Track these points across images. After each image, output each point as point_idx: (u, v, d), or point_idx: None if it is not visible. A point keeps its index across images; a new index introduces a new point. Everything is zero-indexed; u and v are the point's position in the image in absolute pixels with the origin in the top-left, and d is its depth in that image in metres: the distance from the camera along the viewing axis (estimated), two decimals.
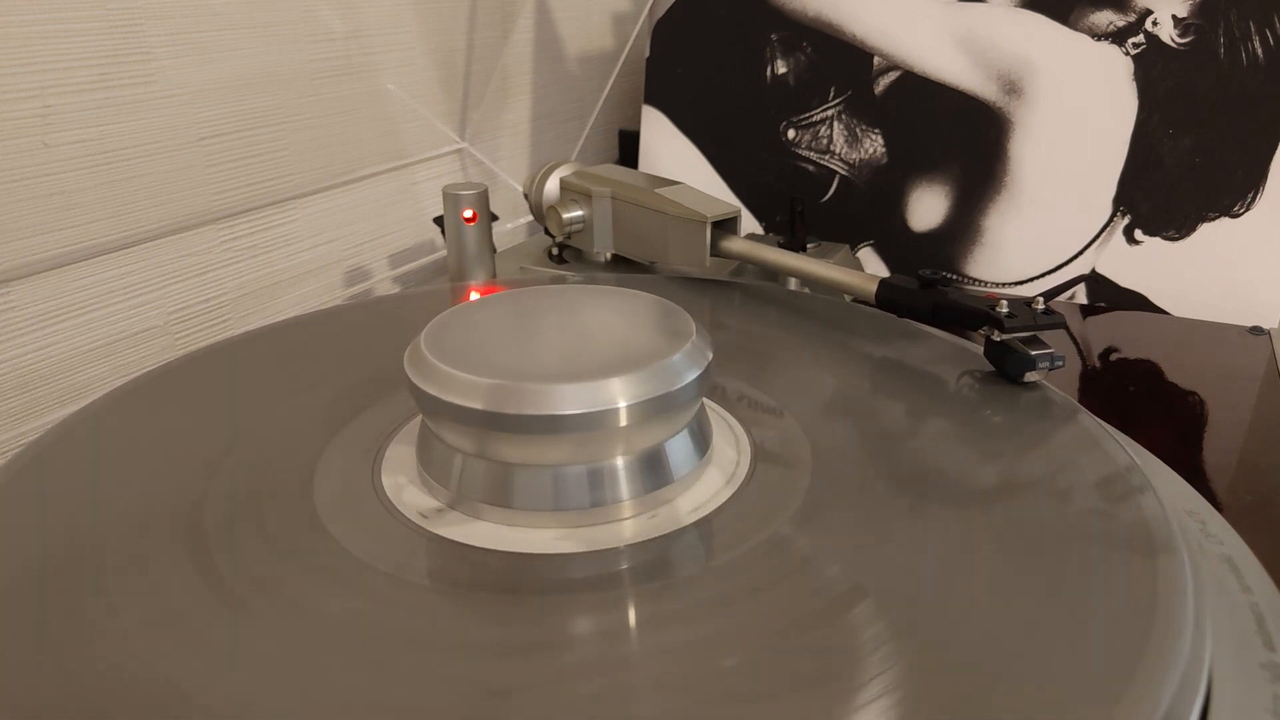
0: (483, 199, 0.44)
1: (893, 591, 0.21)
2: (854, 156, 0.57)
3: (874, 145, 0.56)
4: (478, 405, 0.22)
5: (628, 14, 0.72)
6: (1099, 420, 0.28)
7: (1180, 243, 0.50)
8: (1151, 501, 0.24)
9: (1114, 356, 0.45)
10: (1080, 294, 0.53)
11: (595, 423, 0.22)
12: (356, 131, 0.50)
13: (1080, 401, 0.30)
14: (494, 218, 0.45)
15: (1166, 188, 0.50)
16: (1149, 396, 0.40)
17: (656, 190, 0.41)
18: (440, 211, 0.44)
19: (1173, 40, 0.49)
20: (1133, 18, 0.50)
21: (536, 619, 0.20)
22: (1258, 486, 0.33)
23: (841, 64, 0.56)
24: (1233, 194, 0.49)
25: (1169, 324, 0.49)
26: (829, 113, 0.57)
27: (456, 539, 0.23)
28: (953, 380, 0.31)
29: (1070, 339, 0.46)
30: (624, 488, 0.24)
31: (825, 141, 0.57)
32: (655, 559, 0.22)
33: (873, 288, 0.35)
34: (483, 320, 0.26)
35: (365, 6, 0.49)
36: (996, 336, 0.31)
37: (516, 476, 0.23)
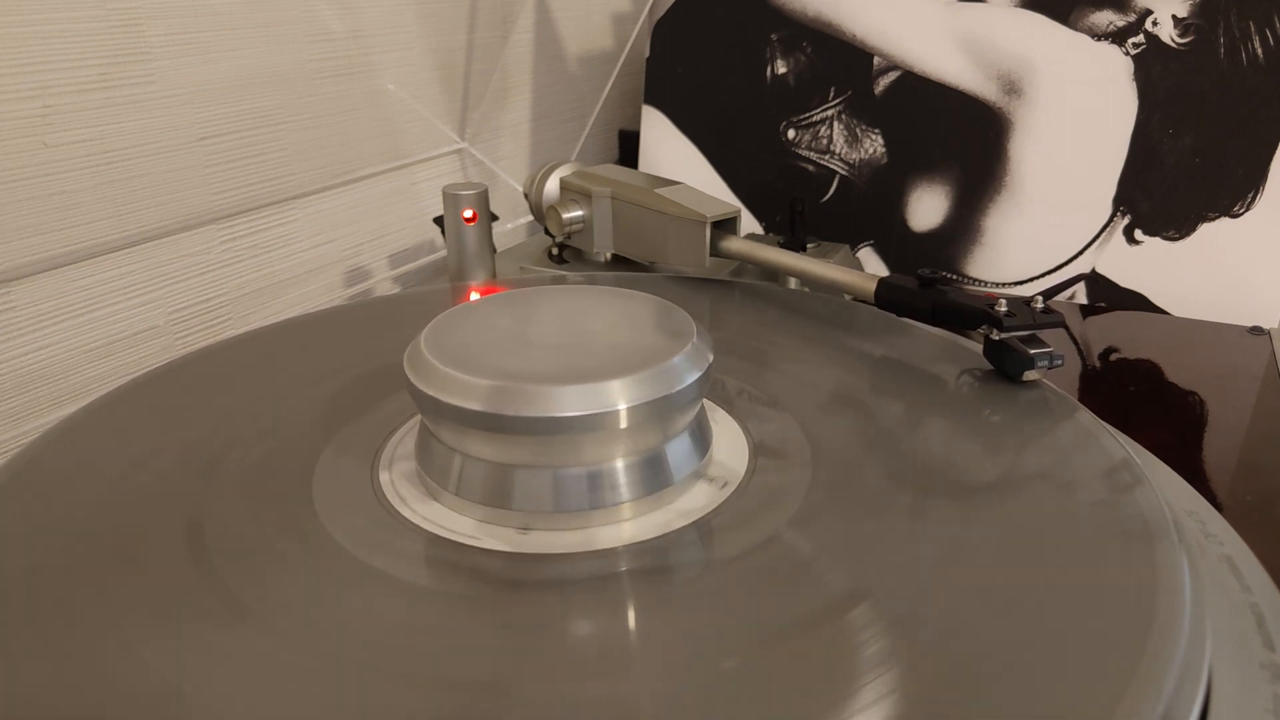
0: (483, 199, 0.44)
1: (892, 591, 0.21)
2: (854, 156, 0.57)
3: (874, 145, 0.56)
4: (477, 407, 0.22)
5: (628, 14, 0.72)
6: (1098, 419, 0.28)
7: (1180, 243, 0.50)
8: (1151, 501, 0.24)
9: (1114, 356, 0.45)
10: (1080, 294, 0.53)
11: (595, 425, 0.22)
12: (356, 131, 0.50)
13: (1080, 401, 0.30)
14: (494, 218, 0.45)
15: (1166, 188, 0.50)
16: (1149, 396, 0.40)
17: (656, 190, 0.41)
18: (440, 211, 0.44)
19: (1173, 40, 0.49)
20: (1133, 18, 0.50)
21: (536, 619, 0.20)
22: (1258, 486, 0.33)
23: (841, 64, 0.56)
24: (1233, 194, 0.49)
25: (1169, 324, 0.49)
26: (829, 113, 0.57)
27: (456, 539, 0.23)
28: (952, 379, 0.31)
29: (1070, 339, 0.46)
30: (624, 489, 0.24)
31: (825, 141, 0.57)
32: (655, 559, 0.22)
33: (872, 287, 0.35)
34: (483, 321, 0.26)
35: (365, 6, 0.49)
36: (995, 335, 0.31)
37: (516, 477, 0.23)
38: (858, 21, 0.55)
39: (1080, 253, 0.52)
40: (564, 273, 0.45)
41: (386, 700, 0.18)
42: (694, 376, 0.24)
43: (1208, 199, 0.50)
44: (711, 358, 0.25)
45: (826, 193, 0.58)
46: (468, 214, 0.43)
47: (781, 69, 0.58)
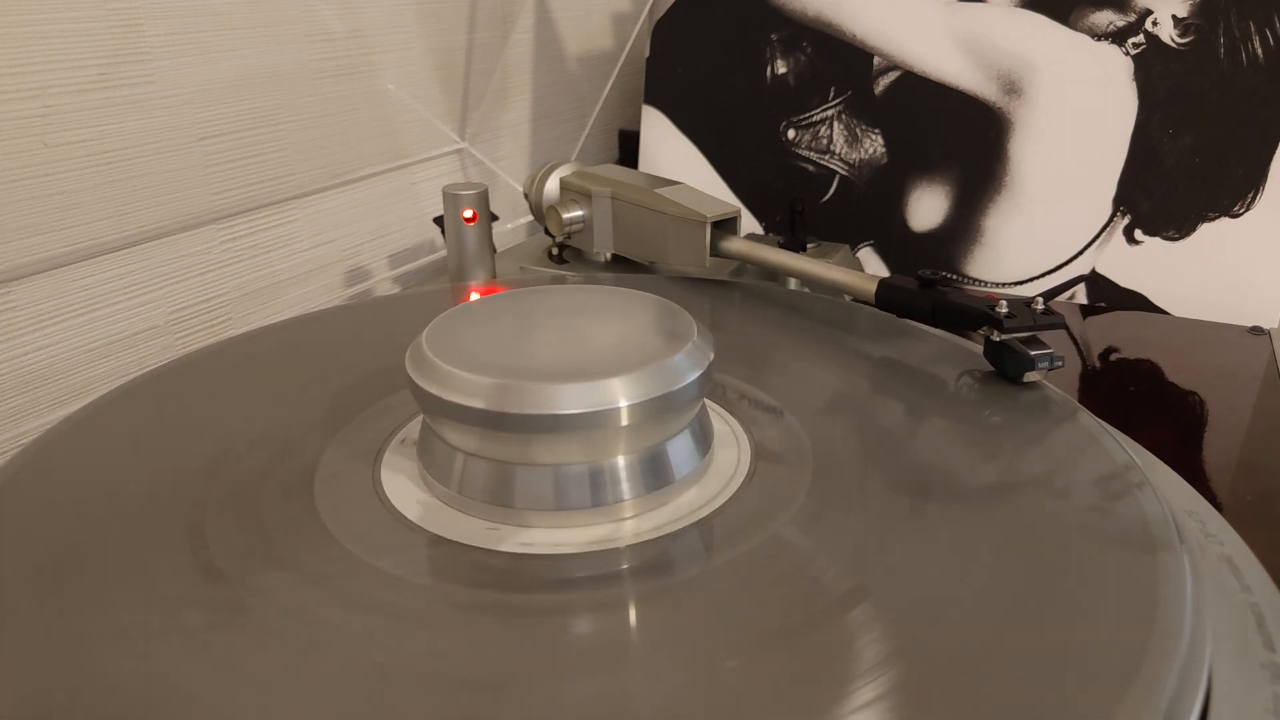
0: (483, 199, 0.44)
1: (892, 591, 0.21)
2: (854, 156, 0.57)
3: (874, 145, 0.56)
4: (479, 404, 0.22)
5: (628, 14, 0.72)
6: (1099, 420, 0.28)
7: (1180, 243, 0.50)
8: (1151, 501, 0.24)
9: (1114, 356, 0.45)
10: (1080, 294, 0.53)
11: (596, 422, 0.22)
12: (356, 131, 0.50)
13: (1080, 401, 0.30)
14: (494, 218, 0.45)
15: (1166, 188, 0.50)
16: (1149, 396, 0.40)
17: (656, 190, 0.41)
18: (440, 211, 0.44)
19: (1173, 40, 0.49)
20: (1133, 18, 0.50)
21: (536, 619, 0.20)
22: (1258, 486, 0.33)
23: (841, 64, 0.56)
24: (1233, 194, 0.49)
25: (1169, 324, 0.49)
26: (829, 113, 0.57)
27: (457, 539, 0.23)
28: (952, 380, 0.31)
29: (1070, 339, 0.46)
30: (625, 487, 0.24)
31: (825, 141, 0.57)
32: (656, 559, 0.22)
33: (872, 288, 0.35)
34: (484, 320, 0.26)
35: (365, 6, 0.49)
36: (995, 337, 0.31)
37: (517, 476, 0.23)
38: (858, 21, 0.55)
39: (1080, 253, 0.52)
40: (564, 273, 0.45)
41: (387, 700, 0.18)
42: (695, 374, 0.24)
43: (1208, 199, 0.50)
44: (712, 356, 0.25)
45: (826, 193, 0.58)
46: (468, 214, 0.43)
47: (781, 69, 0.58)
